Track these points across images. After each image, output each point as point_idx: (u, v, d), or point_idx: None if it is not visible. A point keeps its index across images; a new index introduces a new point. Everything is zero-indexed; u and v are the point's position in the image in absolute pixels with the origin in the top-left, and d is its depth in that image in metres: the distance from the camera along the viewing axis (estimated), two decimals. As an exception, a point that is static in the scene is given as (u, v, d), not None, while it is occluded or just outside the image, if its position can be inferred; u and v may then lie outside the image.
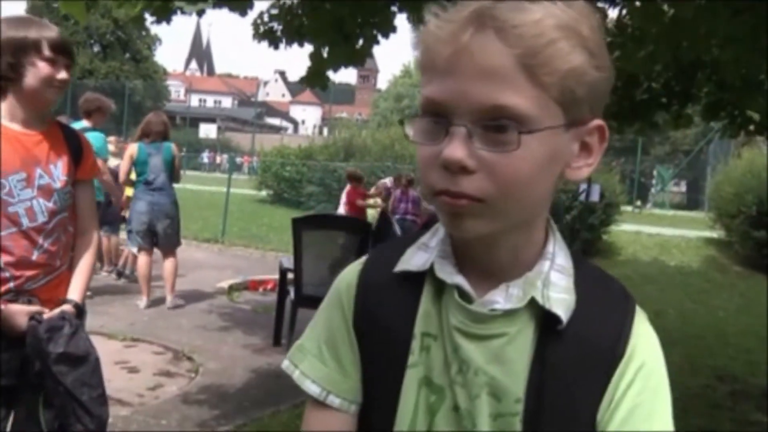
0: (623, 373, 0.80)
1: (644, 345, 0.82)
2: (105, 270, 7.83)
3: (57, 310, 2.11)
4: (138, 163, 6.39)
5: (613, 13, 5.17)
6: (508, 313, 0.81)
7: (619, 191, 15.45)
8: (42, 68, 2.09)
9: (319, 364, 0.91)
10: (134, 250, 7.70)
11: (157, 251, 6.63)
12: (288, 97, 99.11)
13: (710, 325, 7.85)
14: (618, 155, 26.49)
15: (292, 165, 19.68)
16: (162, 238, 6.48)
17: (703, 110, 5.63)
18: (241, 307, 7.06)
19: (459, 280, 0.82)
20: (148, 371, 4.79)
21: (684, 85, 5.52)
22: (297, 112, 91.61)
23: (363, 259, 0.94)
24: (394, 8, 4.52)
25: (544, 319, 0.80)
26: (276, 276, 6.34)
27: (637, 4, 4.11)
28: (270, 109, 79.99)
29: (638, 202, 24.55)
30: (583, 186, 10.41)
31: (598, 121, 0.80)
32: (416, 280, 0.86)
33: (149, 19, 3.92)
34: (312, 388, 0.90)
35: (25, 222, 2.09)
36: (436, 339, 0.84)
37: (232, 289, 7.67)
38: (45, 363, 2.02)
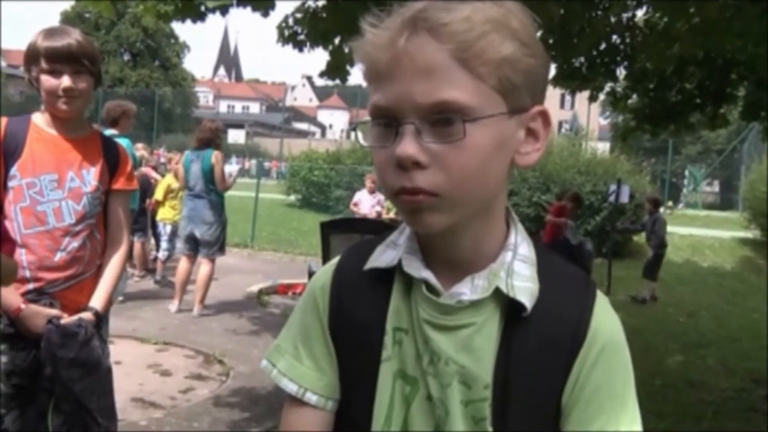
0: (585, 356, 0.83)
1: (605, 328, 0.85)
2: (137, 275, 7.94)
3: (75, 317, 2.12)
4: (185, 170, 6.50)
5: (640, 13, 5.12)
6: (475, 304, 0.84)
7: (650, 191, 15.24)
8: (44, 81, 2.09)
9: (296, 362, 0.94)
10: (160, 255, 7.83)
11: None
12: (315, 102, 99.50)
13: (745, 327, 7.70)
14: (648, 155, 26.17)
15: (320, 169, 19.74)
16: (201, 244, 6.50)
17: (742, 110, 5.54)
18: (271, 311, 7.11)
19: (426, 274, 0.85)
20: (180, 374, 4.85)
21: (718, 84, 5.44)
22: (324, 116, 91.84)
23: (336, 260, 0.98)
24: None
25: (509, 307, 0.84)
26: (305, 280, 6.36)
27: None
28: (297, 114, 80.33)
29: (670, 203, 24.22)
30: (613, 187, 10.28)
31: (540, 107, 0.83)
32: (386, 277, 0.90)
33: (175, 21, 3.98)
34: (289, 386, 0.94)
35: (52, 221, 2.12)
36: (408, 333, 0.87)
37: (261, 293, 7.73)
38: (56, 367, 2.03)
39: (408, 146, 0.76)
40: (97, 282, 2.24)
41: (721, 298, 9.64)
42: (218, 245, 6.55)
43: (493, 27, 0.77)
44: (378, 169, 0.82)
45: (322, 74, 4.95)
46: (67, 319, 2.10)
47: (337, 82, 5.07)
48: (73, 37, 2.11)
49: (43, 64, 2.08)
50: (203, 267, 6.54)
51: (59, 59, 2.08)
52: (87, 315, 2.16)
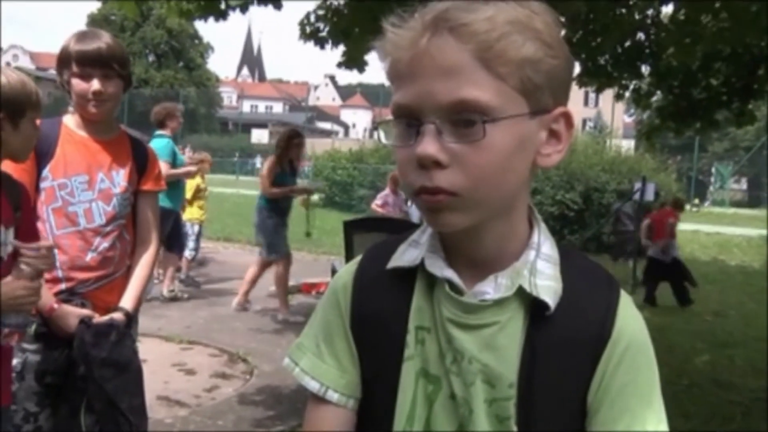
0: (610, 355, 0.83)
1: (629, 327, 0.85)
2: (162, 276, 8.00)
3: (107, 317, 2.14)
4: None
5: (667, 9, 5.06)
6: (498, 303, 0.84)
7: (676, 189, 15.10)
8: (75, 84, 2.11)
9: (318, 361, 0.94)
10: (186, 255, 7.90)
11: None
12: (338, 101, 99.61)
13: (774, 327, 7.58)
14: (674, 153, 25.86)
15: (343, 168, 19.82)
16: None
17: (771, 106, 5.45)
18: (295, 309, 7.13)
19: (449, 273, 0.85)
20: (205, 373, 4.88)
21: (745, 80, 5.36)
22: (347, 115, 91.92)
23: (358, 258, 0.98)
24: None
25: (532, 306, 0.83)
26: (328, 279, 6.38)
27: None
28: (321, 114, 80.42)
29: (696, 201, 23.94)
30: (638, 185, 10.17)
31: (562, 108, 0.83)
32: (408, 276, 0.90)
33: (198, 19, 4.03)
34: (311, 384, 0.94)
35: (83, 222, 2.15)
36: (430, 331, 0.87)
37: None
38: (89, 367, 2.05)
39: (428, 146, 0.76)
40: (127, 282, 2.26)
41: (749, 297, 9.49)
42: (265, 247, 6.60)
43: (515, 28, 0.76)
44: (399, 167, 0.82)
45: (339, 65, 4.97)
46: (98, 319, 2.12)
47: (360, 80, 5.13)
48: (104, 40, 2.12)
49: (74, 68, 2.10)
50: (251, 266, 6.76)
51: (89, 63, 2.09)
52: (118, 315, 2.18)
